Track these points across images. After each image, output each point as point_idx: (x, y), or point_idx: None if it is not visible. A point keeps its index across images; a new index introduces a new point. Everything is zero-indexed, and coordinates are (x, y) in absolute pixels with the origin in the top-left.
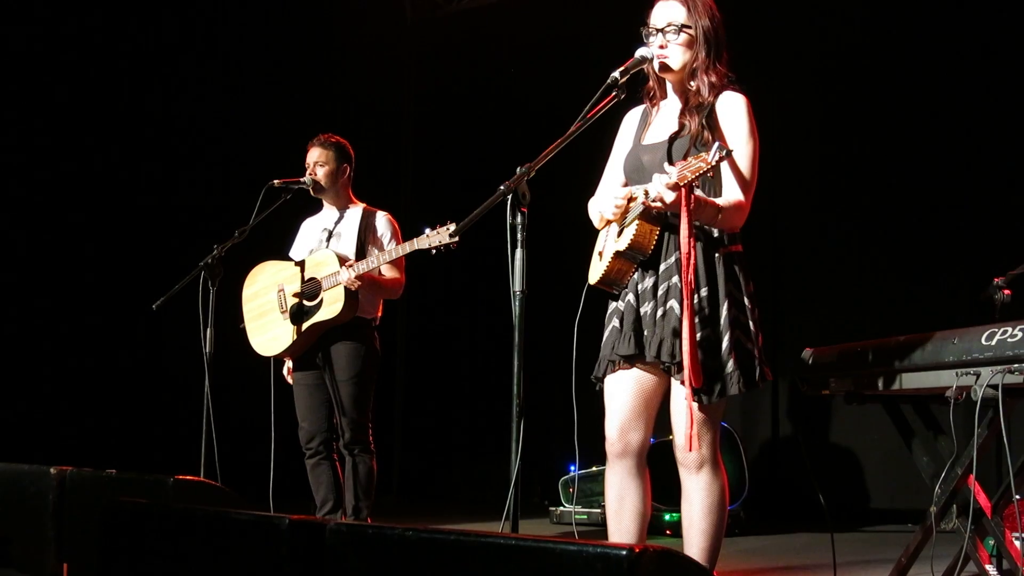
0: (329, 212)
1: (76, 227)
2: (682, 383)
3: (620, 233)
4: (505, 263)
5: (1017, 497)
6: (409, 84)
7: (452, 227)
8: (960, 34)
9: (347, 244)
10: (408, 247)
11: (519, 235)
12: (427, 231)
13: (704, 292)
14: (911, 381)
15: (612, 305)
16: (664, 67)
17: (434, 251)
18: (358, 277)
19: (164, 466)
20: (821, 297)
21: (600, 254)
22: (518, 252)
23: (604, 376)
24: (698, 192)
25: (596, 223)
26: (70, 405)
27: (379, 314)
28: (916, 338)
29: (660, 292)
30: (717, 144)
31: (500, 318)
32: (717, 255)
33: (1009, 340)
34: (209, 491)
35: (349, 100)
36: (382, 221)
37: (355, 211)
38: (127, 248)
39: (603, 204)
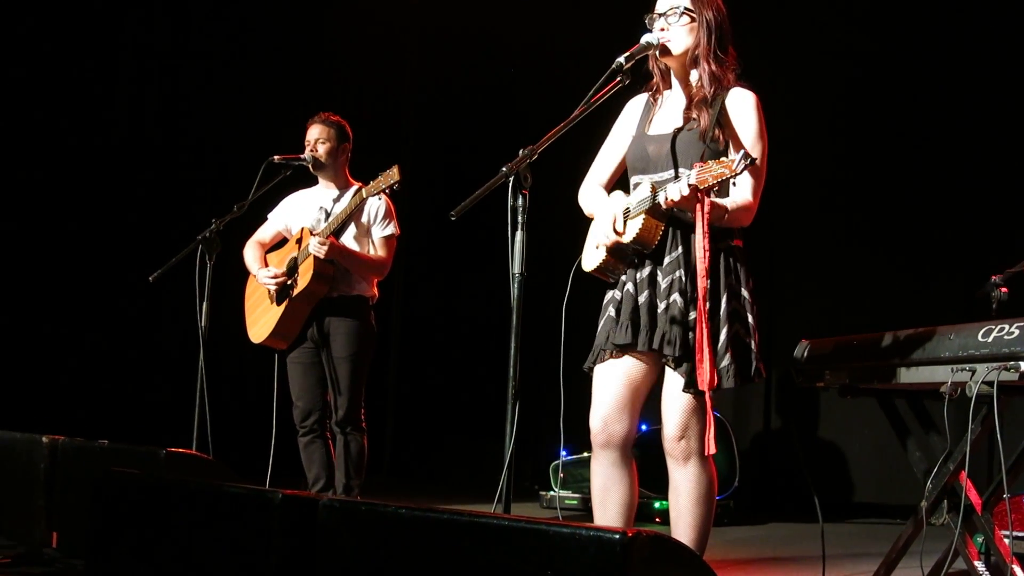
0: (327, 191)
1: (75, 199)
2: (682, 376)
3: (624, 225)
4: (505, 245)
5: (1008, 495)
6: (411, 65)
7: (394, 169)
8: (960, 30)
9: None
10: (356, 200)
11: (520, 217)
12: (371, 181)
13: (707, 284)
14: (906, 376)
15: (609, 294)
16: (665, 50)
17: (387, 191)
18: (321, 243)
19: (157, 439)
20: (818, 289)
21: (597, 244)
22: (518, 234)
23: (594, 366)
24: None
25: (586, 213)
26: (65, 376)
27: (375, 293)
28: (913, 333)
29: (662, 285)
30: (742, 152)
31: (498, 300)
32: (719, 249)
33: (1006, 337)
34: (201, 464)
35: (351, 79)
36: (374, 202)
37: (352, 191)
38: (126, 220)
39: (603, 219)
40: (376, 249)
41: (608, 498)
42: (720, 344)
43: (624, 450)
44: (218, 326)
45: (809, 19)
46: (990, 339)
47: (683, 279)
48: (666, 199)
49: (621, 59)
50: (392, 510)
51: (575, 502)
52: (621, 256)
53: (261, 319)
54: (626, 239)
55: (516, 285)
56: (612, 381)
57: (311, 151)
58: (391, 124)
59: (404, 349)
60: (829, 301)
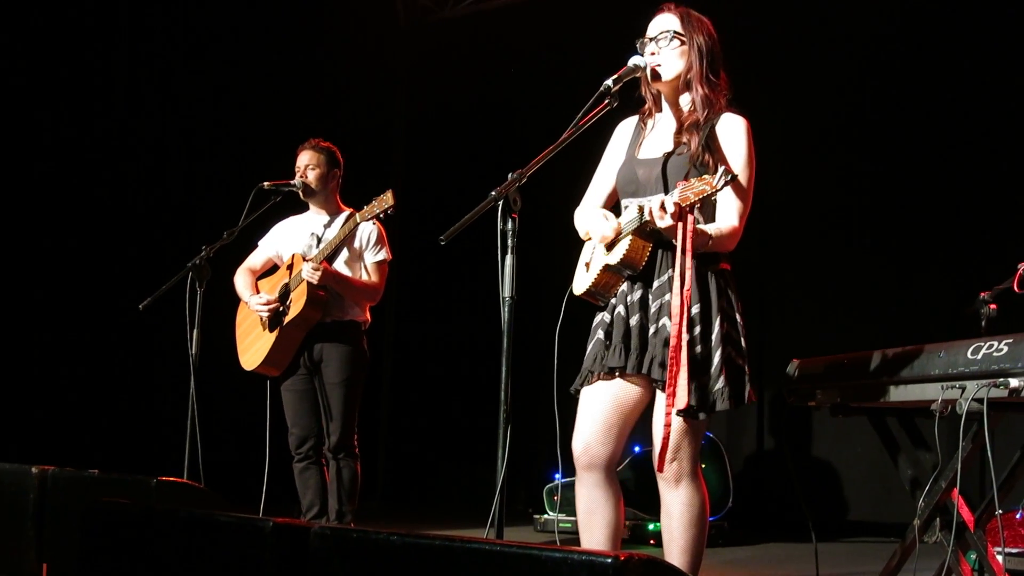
0: (317, 216)
1: (64, 226)
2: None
3: (611, 247)
4: (495, 268)
5: (1000, 511)
6: (401, 90)
7: (388, 194)
8: (946, 52)
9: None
10: (350, 225)
11: (509, 241)
12: (364, 207)
13: (697, 308)
14: (897, 394)
15: (599, 316)
16: (656, 75)
17: (381, 216)
18: (314, 269)
19: (148, 467)
20: (808, 308)
21: (587, 265)
22: (508, 258)
23: (581, 387)
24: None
25: (582, 235)
26: (55, 405)
27: (368, 318)
28: (902, 351)
29: (652, 308)
30: (723, 169)
31: (489, 324)
32: (709, 272)
33: (995, 354)
34: (192, 493)
35: (341, 104)
36: (366, 227)
37: (343, 217)
38: (115, 248)
39: (595, 228)
40: (368, 274)
41: (593, 520)
42: (714, 367)
43: (608, 472)
44: (209, 353)
45: (798, 41)
46: (979, 356)
47: (672, 303)
48: (648, 212)
49: (609, 82)
50: (384, 537)
51: (570, 525)
52: (612, 278)
53: (253, 346)
54: (613, 260)
55: (506, 309)
56: (598, 403)
57: (301, 177)
58: (381, 150)
59: (396, 374)
60: (819, 320)
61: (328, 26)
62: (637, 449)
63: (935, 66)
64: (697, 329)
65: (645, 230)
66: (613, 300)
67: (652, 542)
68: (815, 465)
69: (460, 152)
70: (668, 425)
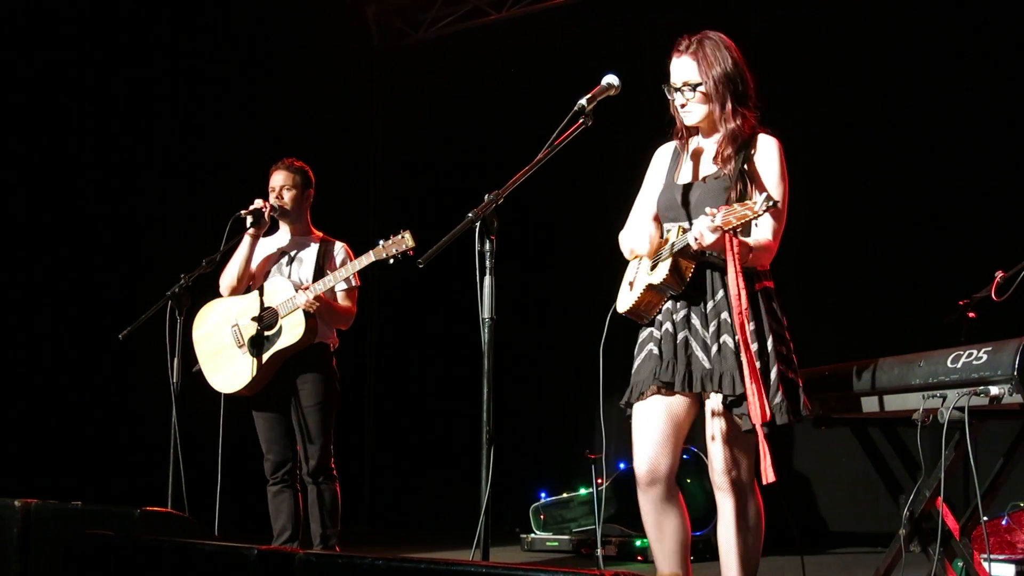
0: (287, 237)
1: (45, 256)
2: (738, 417)
3: (654, 266)
4: (474, 290)
5: (984, 519)
6: (376, 111)
7: (407, 234)
8: (927, 65)
9: (307, 270)
10: (365, 260)
11: (488, 262)
12: (381, 242)
13: (752, 326)
14: (878, 404)
15: (646, 331)
16: (682, 121)
17: (392, 261)
18: (316, 298)
19: (131, 498)
20: (789, 321)
21: (631, 284)
22: (487, 279)
23: (634, 402)
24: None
25: (627, 255)
26: (36, 436)
27: (336, 340)
28: (882, 361)
29: (711, 328)
30: (764, 195)
31: (470, 345)
32: (755, 291)
33: (974, 363)
34: (176, 522)
35: (317, 126)
36: (340, 250)
37: (318, 243)
38: (94, 277)
39: (638, 243)
40: (340, 300)
41: (664, 532)
42: (772, 382)
43: (670, 483)
44: (190, 381)
45: (786, 54)
46: (959, 365)
47: (729, 321)
48: (694, 240)
49: (583, 101)
50: (369, 562)
51: (556, 544)
52: (655, 297)
53: (229, 367)
54: (656, 279)
55: (486, 329)
56: (654, 418)
57: (276, 198)
58: (358, 171)
59: (379, 396)
60: (800, 332)
61: (303, 48)
62: (622, 466)
63: (916, 79)
64: (754, 347)
65: (687, 251)
66: (659, 317)
67: (640, 558)
68: (799, 476)
69: (436, 174)
70: (764, 436)
